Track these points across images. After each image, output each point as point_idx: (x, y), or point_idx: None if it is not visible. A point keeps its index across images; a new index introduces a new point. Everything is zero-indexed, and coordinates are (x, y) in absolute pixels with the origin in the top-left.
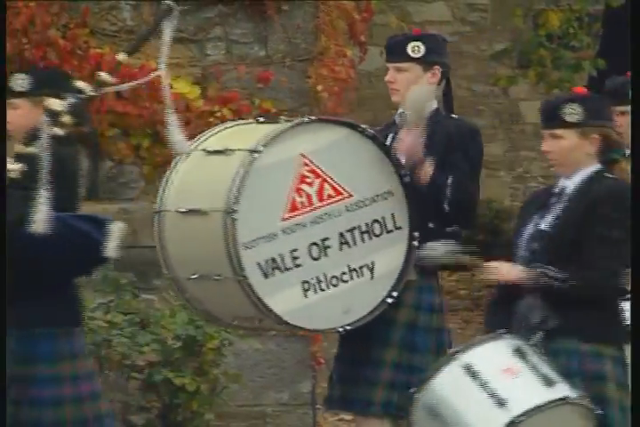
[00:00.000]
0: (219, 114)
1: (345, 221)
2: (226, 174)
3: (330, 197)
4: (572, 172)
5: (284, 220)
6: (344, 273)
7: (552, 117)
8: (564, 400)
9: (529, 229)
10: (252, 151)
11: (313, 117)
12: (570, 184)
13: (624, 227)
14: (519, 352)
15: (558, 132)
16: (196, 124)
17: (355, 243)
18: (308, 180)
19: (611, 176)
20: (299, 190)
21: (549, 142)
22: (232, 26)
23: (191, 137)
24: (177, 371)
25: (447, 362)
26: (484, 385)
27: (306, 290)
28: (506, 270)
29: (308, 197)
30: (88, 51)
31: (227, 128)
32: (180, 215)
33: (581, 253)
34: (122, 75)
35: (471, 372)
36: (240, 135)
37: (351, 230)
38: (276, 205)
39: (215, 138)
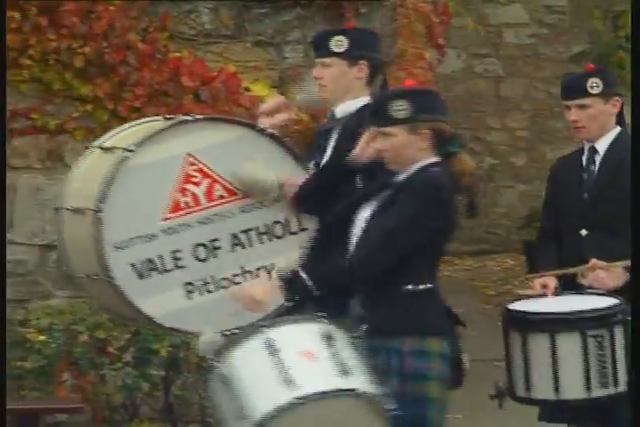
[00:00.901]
0: (296, 117)
1: (239, 222)
2: (101, 173)
3: (221, 197)
4: (405, 168)
5: (164, 220)
6: (236, 275)
7: (379, 115)
8: (351, 392)
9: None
10: (125, 150)
11: (198, 116)
12: (402, 178)
13: (412, 218)
14: (327, 338)
15: (388, 129)
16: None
17: (250, 244)
18: (194, 179)
19: (435, 169)
20: (183, 190)
21: (380, 140)
22: (310, 29)
23: None
24: None
25: (251, 335)
26: (278, 363)
27: (189, 292)
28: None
29: (194, 196)
30: (167, 54)
31: (137, 125)
32: (70, 213)
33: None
34: (200, 78)
35: (271, 348)
36: (133, 133)
37: (246, 231)
38: (155, 205)
39: (119, 135)
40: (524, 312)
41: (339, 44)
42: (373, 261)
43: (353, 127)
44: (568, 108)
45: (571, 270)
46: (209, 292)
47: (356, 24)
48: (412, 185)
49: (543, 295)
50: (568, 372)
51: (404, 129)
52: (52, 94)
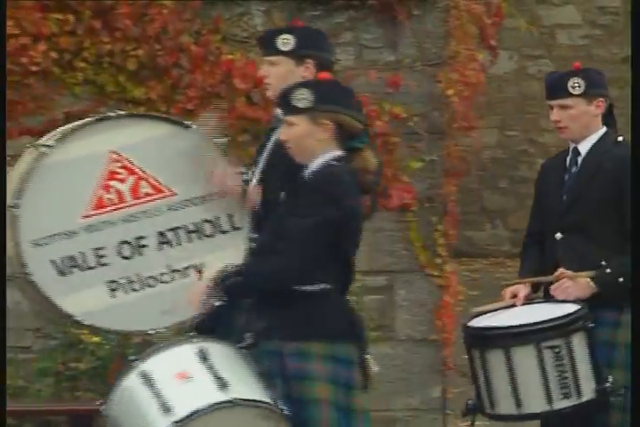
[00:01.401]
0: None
1: (167, 219)
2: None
3: (148, 194)
4: (308, 159)
5: (85, 217)
6: (163, 273)
7: (284, 104)
8: (231, 403)
9: None
10: (43, 146)
11: (121, 113)
12: (307, 172)
13: (316, 214)
14: (201, 355)
15: (290, 118)
16: None
17: (179, 243)
18: (119, 176)
19: (337, 164)
20: (107, 187)
21: (284, 130)
22: (362, 31)
23: None
24: None
25: (127, 372)
26: (156, 393)
27: (113, 290)
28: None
29: (119, 193)
30: (219, 57)
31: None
32: (8, 210)
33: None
34: (253, 80)
35: (147, 380)
36: (61, 131)
37: (174, 230)
38: (77, 201)
39: (58, 133)
40: (479, 328)
41: (285, 42)
42: (289, 263)
43: None
44: (551, 107)
45: (541, 279)
46: (134, 290)
47: (408, 26)
48: (312, 182)
49: (512, 306)
50: (527, 386)
51: (305, 119)
52: (106, 97)
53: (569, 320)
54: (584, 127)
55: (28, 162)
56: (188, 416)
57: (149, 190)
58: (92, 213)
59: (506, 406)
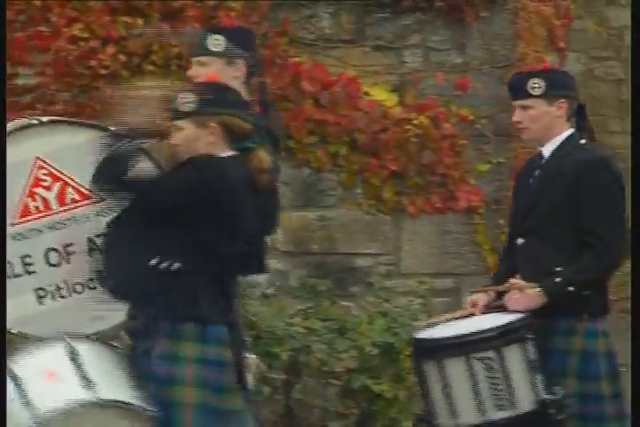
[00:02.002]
0: (416, 122)
1: (95, 225)
2: None
3: (74, 201)
4: None
5: (12, 225)
6: (91, 279)
7: (172, 109)
8: (93, 402)
9: None
10: None
11: (44, 119)
12: None
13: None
14: (72, 355)
15: (177, 123)
16: (393, 131)
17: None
18: (44, 183)
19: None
20: (32, 194)
21: (174, 134)
22: (430, 33)
23: (385, 145)
24: (375, 378)
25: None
26: (22, 391)
27: (41, 297)
28: None
29: (45, 201)
30: (287, 59)
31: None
32: None
33: None
34: (320, 82)
35: (15, 380)
36: None
37: (101, 236)
38: (5, 210)
39: None
40: (416, 340)
41: (216, 43)
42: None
43: None
44: (514, 108)
45: (496, 288)
46: (62, 297)
47: (476, 28)
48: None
49: (471, 314)
50: (459, 396)
51: (192, 122)
52: None
53: (500, 332)
54: (545, 128)
55: None
56: (48, 414)
57: (76, 197)
58: (19, 221)
59: (443, 416)
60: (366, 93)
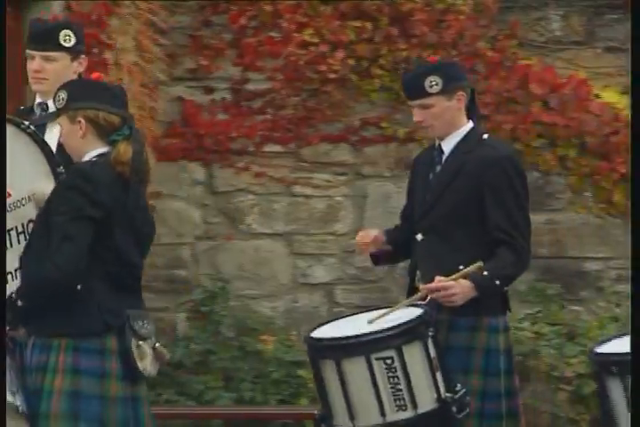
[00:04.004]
0: None
1: (11, 221)
2: None
3: None
4: (80, 158)
5: None
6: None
7: (56, 106)
8: None
9: None
10: None
11: None
12: None
13: (72, 209)
14: None
15: (58, 120)
16: (624, 134)
17: (11, 245)
18: None
19: (91, 160)
20: None
21: (60, 132)
22: None
23: (616, 148)
24: None
25: None
26: None
27: None
28: None
29: None
30: (516, 62)
31: None
32: None
33: None
34: (550, 85)
35: None
36: None
37: (9, 231)
38: None
39: None
40: (314, 339)
41: (67, 38)
42: (62, 260)
43: None
44: (411, 107)
45: (418, 297)
46: None
47: None
48: (64, 179)
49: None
50: (359, 398)
51: (66, 119)
52: (402, 103)
53: (399, 331)
54: (448, 124)
55: None
56: None
57: None
58: None
59: (341, 418)
60: (597, 96)
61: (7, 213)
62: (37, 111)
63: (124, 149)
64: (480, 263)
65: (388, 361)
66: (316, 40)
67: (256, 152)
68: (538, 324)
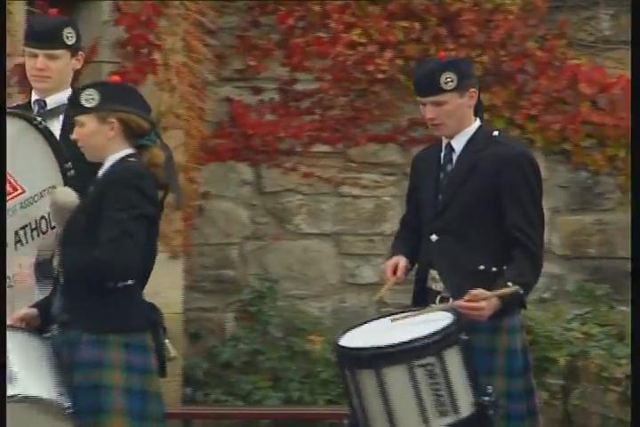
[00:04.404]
0: None
1: (20, 218)
2: None
3: (8, 193)
4: (100, 157)
5: None
6: (15, 274)
7: (74, 104)
8: (12, 397)
9: None
10: None
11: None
12: (104, 169)
13: (131, 207)
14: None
15: (80, 118)
16: None
17: (27, 241)
18: None
19: (132, 160)
20: None
21: (76, 129)
22: None
23: None
24: None
25: None
26: None
27: None
28: None
29: None
30: (565, 62)
31: None
32: None
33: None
34: (599, 85)
35: None
36: None
37: (24, 228)
38: None
39: None
40: (349, 348)
41: (69, 36)
42: (120, 256)
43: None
44: (422, 104)
45: (444, 307)
46: None
47: None
48: (114, 175)
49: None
50: (401, 406)
51: (94, 118)
52: None
53: (440, 337)
54: (459, 121)
55: None
56: None
57: (10, 189)
58: None
59: None
60: None
61: (21, 210)
62: (35, 108)
63: (157, 153)
64: (517, 288)
65: (429, 367)
66: (364, 40)
67: (304, 152)
68: (587, 324)
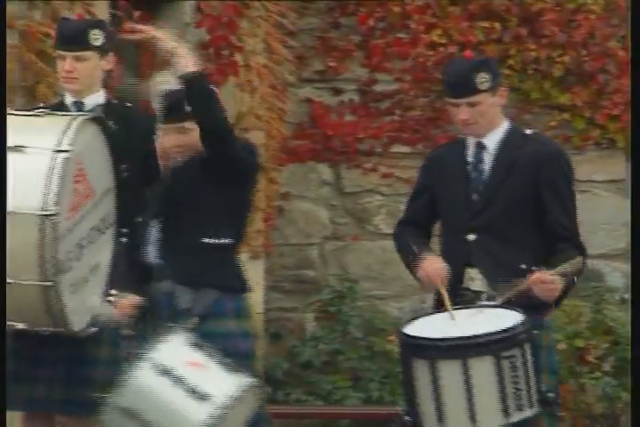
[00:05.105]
0: None
1: (93, 218)
2: (29, 173)
3: (87, 196)
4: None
5: (67, 219)
6: (87, 273)
7: (178, 112)
8: (250, 385)
9: None
10: (59, 151)
11: (89, 115)
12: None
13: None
14: (195, 344)
15: (187, 124)
16: None
17: (92, 242)
18: (79, 178)
19: None
20: (74, 190)
21: (179, 136)
22: None
23: None
24: None
25: (136, 363)
26: (177, 381)
27: (72, 293)
28: None
29: (80, 196)
30: None
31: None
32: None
33: None
34: None
35: (161, 370)
36: (12, 128)
37: (92, 229)
38: (62, 207)
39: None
40: (429, 339)
41: (96, 37)
42: None
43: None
44: (454, 105)
45: (519, 289)
46: (72, 293)
47: None
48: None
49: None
50: (484, 399)
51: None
52: (530, 103)
53: (523, 330)
54: (491, 120)
55: (60, 167)
56: (226, 404)
57: (87, 192)
58: (70, 215)
59: (458, 421)
60: None
61: (93, 210)
62: (73, 109)
63: None
64: (580, 258)
65: (513, 360)
66: (444, 41)
67: (384, 153)
68: None
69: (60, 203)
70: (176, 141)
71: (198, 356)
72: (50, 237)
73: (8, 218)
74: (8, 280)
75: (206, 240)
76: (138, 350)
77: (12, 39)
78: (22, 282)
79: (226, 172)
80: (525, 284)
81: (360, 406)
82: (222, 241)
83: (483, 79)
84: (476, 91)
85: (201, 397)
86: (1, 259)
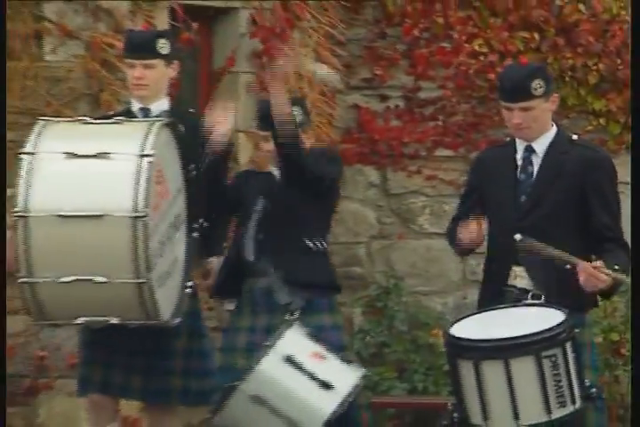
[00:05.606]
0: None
1: (170, 216)
2: (117, 178)
3: (165, 196)
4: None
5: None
6: (168, 268)
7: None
8: (364, 375)
9: None
10: (143, 156)
11: (164, 120)
12: None
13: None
14: (312, 336)
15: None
16: None
17: (169, 238)
18: (159, 179)
19: None
20: (156, 191)
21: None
22: None
23: None
24: None
25: (265, 352)
26: (303, 371)
27: (159, 286)
28: None
29: (159, 196)
30: None
31: (48, 127)
32: (57, 219)
33: None
34: None
35: (289, 360)
36: (94, 136)
37: (169, 226)
38: (149, 208)
39: (60, 139)
40: (473, 340)
41: (163, 46)
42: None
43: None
44: (508, 109)
45: (569, 260)
46: (159, 286)
47: None
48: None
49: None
50: (526, 397)
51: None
52: (567, 109)
53: (563, 329)
54: (542, 125)
55: (146, 170)
56: (350, 393)
57: (164, 192)
58: (153, 215)
59: (502, 418)
60: None
61: (170, 209)
62: (140, 116)
63: None
64: (625, 277)
65: (554, 359)
66: (485, 50)
67: (428, 156)
68: None
69: (148, 204)
70: (267, 147)
71: (318, 347)
72: (142, 238)
73: (93, 221)
74: (100, 280)
75: (307, 241)
76: (264, 341)
77: (77, 50)
78: (116, 281)
79: (308, 187)
80: (577, 263)
81: (405, 396)
82: (321, 243)
83: (538, 85)
84: (531, 96)
85: (326, 386)
86: (0, 258)
